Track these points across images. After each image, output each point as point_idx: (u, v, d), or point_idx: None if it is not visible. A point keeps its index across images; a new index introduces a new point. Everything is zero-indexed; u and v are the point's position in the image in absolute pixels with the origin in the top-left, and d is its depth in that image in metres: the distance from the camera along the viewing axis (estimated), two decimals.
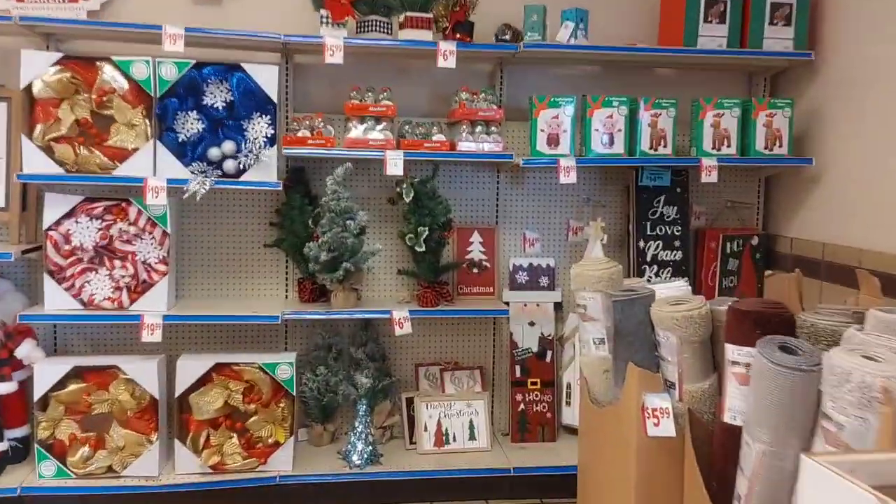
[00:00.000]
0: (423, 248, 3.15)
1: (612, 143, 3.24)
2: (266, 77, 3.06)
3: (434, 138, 3.24)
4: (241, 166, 3.06)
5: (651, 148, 3.26)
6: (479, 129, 3.25)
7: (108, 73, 2.93)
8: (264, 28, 3.08)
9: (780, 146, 3.26)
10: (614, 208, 3.62)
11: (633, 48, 3.24)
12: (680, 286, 2.34)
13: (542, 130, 3.22)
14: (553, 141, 3.22)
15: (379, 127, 3.21)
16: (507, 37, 3.27)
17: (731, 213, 3.65)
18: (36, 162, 2.90)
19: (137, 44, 3.13)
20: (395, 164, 3.14)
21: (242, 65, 3.04)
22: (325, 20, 3.12)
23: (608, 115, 3.22)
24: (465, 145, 3.21)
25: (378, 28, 3.17)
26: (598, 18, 3.33)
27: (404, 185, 3.22)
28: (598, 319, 2.30)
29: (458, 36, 3.15)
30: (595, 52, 3.21)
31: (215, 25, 3.12)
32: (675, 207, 3.49)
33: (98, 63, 2.94)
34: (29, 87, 2.88)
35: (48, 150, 2.92)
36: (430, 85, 3.54)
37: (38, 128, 2.91)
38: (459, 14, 3.15)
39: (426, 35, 3.15)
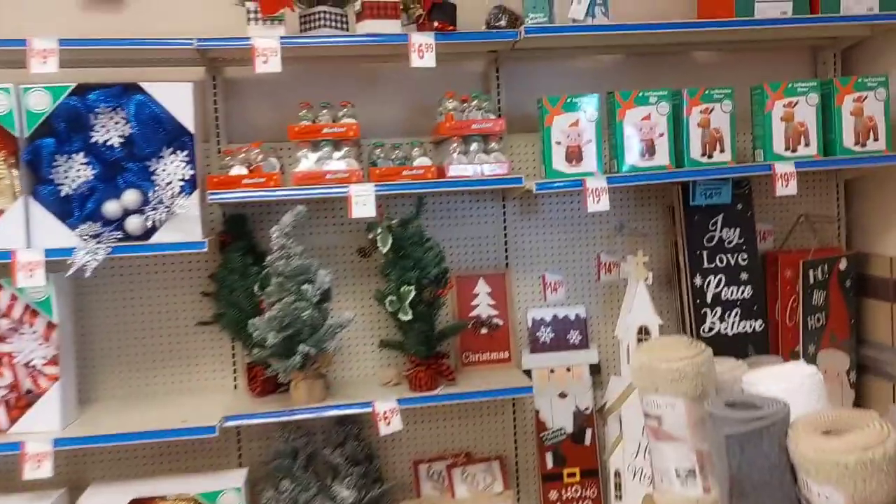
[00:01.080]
0: (410, 316, 2.31)
1: (651, 152, 2.41)
2: (176, 98, 2.23)
3: (416, 163, 2.41)
4: (151, 223, 2.22)
5: (704, 155, 2.44)
6: (474, 146, 2.43)
7: None
8: (183, 35, 2.25)
9: (876, 139, 2.45)
10: (656, 236, 2.78)
11: (676, 24, 2.42)
12: (805, 373, 1.50)
13: (559, 143, 2.39)
14: (574, 155, 2.39)
15: (338, 154, 2.38)
16: (503, 22, 2.45)
17: (804, 230, 2.82)
18: None
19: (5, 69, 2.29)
20: (363, 203, 2.30)
21: (142, 85, 2.21)
22: (252, 16, 2.29)
23: (644, 115, 2.40)
24: (458, 169, 2.38)
25: (328, 22, 2.35)
26: None
27: (379, 231, 2.38)
28: (683, 439, 1.46)
29: (436, 24, 2.32)
30: (620, 34, 2.40)
31: (116, 35, 2.28)
32: (738, 229, 2.66)
33: None
34: None
35: None
36: (405, 94, 2.71)
37: None
38: None
39: (392, 26, 2.33)
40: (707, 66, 2.83)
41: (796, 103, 2.42)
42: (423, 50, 2.30)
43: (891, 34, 2.57)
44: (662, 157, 2.41)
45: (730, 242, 2.65)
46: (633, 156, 2.41)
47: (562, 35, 2.37)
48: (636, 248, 2.64)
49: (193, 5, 2.55)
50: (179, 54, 2.40)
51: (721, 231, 2.64)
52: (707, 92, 2.43)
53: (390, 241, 2.38)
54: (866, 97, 2.42)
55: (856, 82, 2.43)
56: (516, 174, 2.41)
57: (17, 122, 2.13)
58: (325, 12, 2.34)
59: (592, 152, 2.39)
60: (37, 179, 2.18)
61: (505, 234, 2.73)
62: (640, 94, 2.40)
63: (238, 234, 2.52)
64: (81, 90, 2.18)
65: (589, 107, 2.39)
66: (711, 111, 2.43)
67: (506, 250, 2.73)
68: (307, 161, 2.35)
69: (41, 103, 2.15)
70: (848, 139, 2.44)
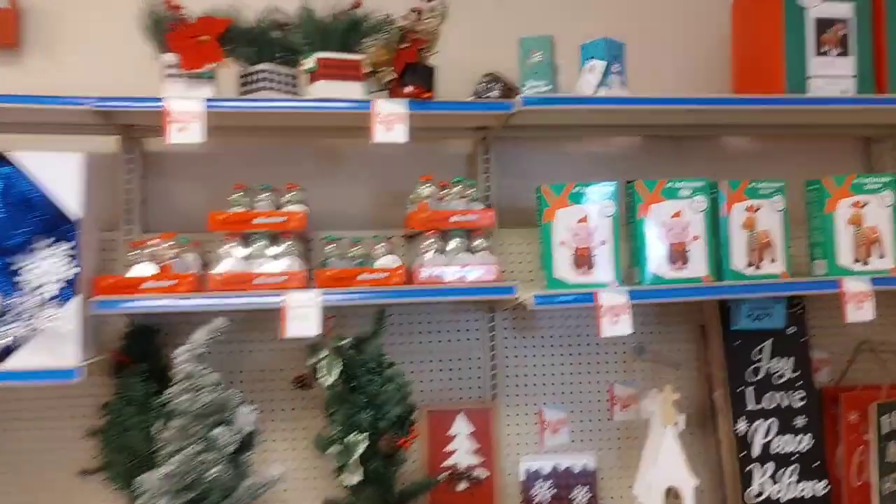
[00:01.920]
0: (360, 477, 1.68)
1: (683, 259, 1.86)
2: (58, 174, 1.67)
3: (379, 264, 1.85)
4: (11, 339, 1.61)
5: (751, 265, 1.89)
6: (454, 243, 1.88)
7: None
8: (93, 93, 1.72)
9: None
10: (686, 363, 2.20)
11: (718, 99, 1.92)
12: None
13: (563, 243, 1.84)
14: (583, 260, 1.84)
15: (276, 250, 1.82)
16: (495, 93, 1.95)
17: (867, 360, 2.25)
18: None
19: None
20: (302, 318, 1.72)
21: (11, 155, 1.66)
22: (171, 71, 1.77)
23: (673, 211, 1.87)
24: (433, 271, 1.81)
25: (272, 83, 1.84)
26: (635, 63, 2.01)
27: (323, 356, 1.79)
28: None
29: (409, 90, 1.81)
30: (641, 110, 1.89)
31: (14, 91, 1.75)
32: (791, 359, 2.08)
33: None
34: None
35: None
36: (372, 177, 2.19)
37: None
38: (409, 52, 1.83)
39: (353, 89, 1.81)
40: (740, 156, 2.33)
41: (866, 203, 1.90)
42: (391, 121, 1.78)
43: None
44: (698, 267, 1.86)
45: (781, 376, 2.06)
46: (659, 263, 1.85)
47: (568, 108, 1.85)
48: (661, 380, 2.06)
49: (116, 58, 2.04)
50: (80, 118, 1.87)
51: (770, 361, 2.06)
52: (752, 185, 1.91)
53: (338, 370, 1.79)
54: None
55: None
56: (507, 282, 1.84)
57: None
58: (268, 72, 1.83)
59: (608, 257, 1.84)
60: None
61: (493, 357, 2.13)
62: (669, 185, 1.87)
63: (142, 352, 1.91)
64: None
65: (603, 198, 1.85)
66: (758, 209, 1.90)
67: (493, 377, 2.13)
68: (230, 260, 1.78)
69: None
70: None
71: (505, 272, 2.13)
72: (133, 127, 2.00)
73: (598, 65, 1.88)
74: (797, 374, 2.06)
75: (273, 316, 1.99)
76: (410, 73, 1.83)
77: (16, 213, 1.65)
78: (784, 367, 2.06)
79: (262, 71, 1.83)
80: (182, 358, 1.67)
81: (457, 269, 1.84)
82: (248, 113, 1.82)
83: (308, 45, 1.81)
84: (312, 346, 1.85)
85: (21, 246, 1.67)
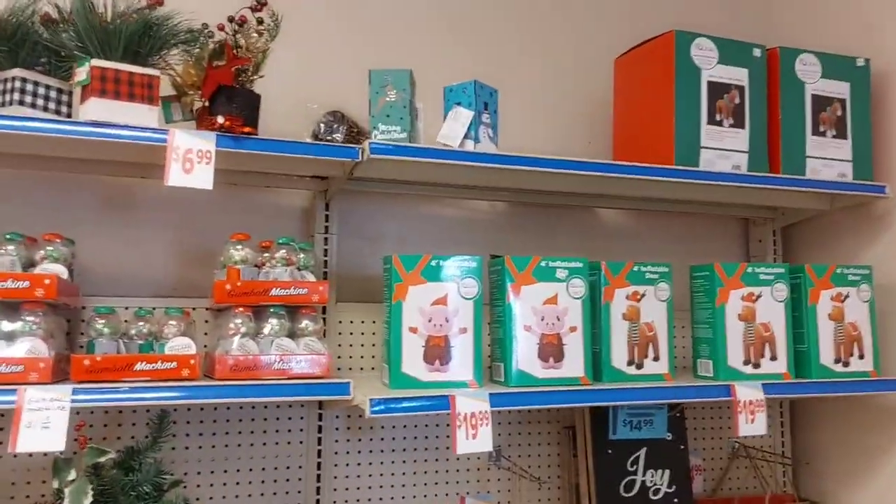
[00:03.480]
0: None
1: (558, 355, 1.52)
2: None
3: (169, 347, 1.38)
4: None
5: (632, 363, 1.59)
6: (271, 325, 1.44)
7: None
8: None
9: (862, 357, 1.72)
10: (548, 470, 1.86)
11: (601, 164, 1.62)
12: None
13: (415, 330, 1.45)
14: (437, 352, 1.46)
15: (14, 325, 1.30)
16: (338, 135, 1.55)
17: (742, 465, 2.02)
18: None
19: None
20: (41, 425, 1.21)
21: None
22: None
23: (547, 296, 1.53)
24: (236, 361, 1.36)
25: (29, 97, 1.34)
26: (504, 115, 1.70)
27: (70, 478, 1.27)
28: None
29: (221, 121, 1.36)
30: (517, 170, 1.55)
31: None
32: (668, 472, 1.79)
33: None
34: None
35: None
36: (172, 228, 1.71)
37: None
38: (223, 73, 1.39)
39: (141, 114, 1.34)
40: (614, 230, 2.07)
41: (758, 296, 1.66)
42: (192, 160, 1.33)
43: (855, 212, 1.94)
44: (574, 364, 1.53)
45: (657, 491, 1.77)
46: (528, 359, 1.50)
47: (426, 161, 1.49)
48: (521, 493, 1.70)
49: None
50: None
51: (645, 474, 1.76)
52: (636, 268, 1.62)
53: (90, 496, 1.27)
54: (847, 295, 1.72)
55: (833, 274, 1.72)
56: (340, 378, 1.42)
57: None
58: (24, 80, 1.33)
59: (467, 348, 1.47)
60: None
61: (318, 466, 1.69)
62: (544, 264, 1.54)
63: None
64: None
65: (465, 275, 1.49)
66: (642, 297, 1.61)
67: (318, 490, 1.68)
68: None
69: None
70: (826, 354, 1.69)
71: (342, 358, 1.71)
72: None
73: (465, 112, 1.54)
74: (674, 488, 1.78)
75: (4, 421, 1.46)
76: (226, 99, 1.40)
77: None
78: (660, 481, 1.77)
79: (16, 79, 1.33)
80: None
81: (274, 358, 1.39)
82: None
83: (82, 49, 1.33)
84: (57, 464, 1.32)
85: None
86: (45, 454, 1.46)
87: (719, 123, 1.71)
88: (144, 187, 1.67)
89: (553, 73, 2.04)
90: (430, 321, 1.46)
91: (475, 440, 1.37)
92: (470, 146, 1.53)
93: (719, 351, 1.63)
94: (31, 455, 1.47)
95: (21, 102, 1.34)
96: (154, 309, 1.49)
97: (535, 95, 2.01)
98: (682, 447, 1.82)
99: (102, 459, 1.32)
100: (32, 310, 1.32)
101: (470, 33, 1.98)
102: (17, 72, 1.34)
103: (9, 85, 1.35)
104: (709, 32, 1.73)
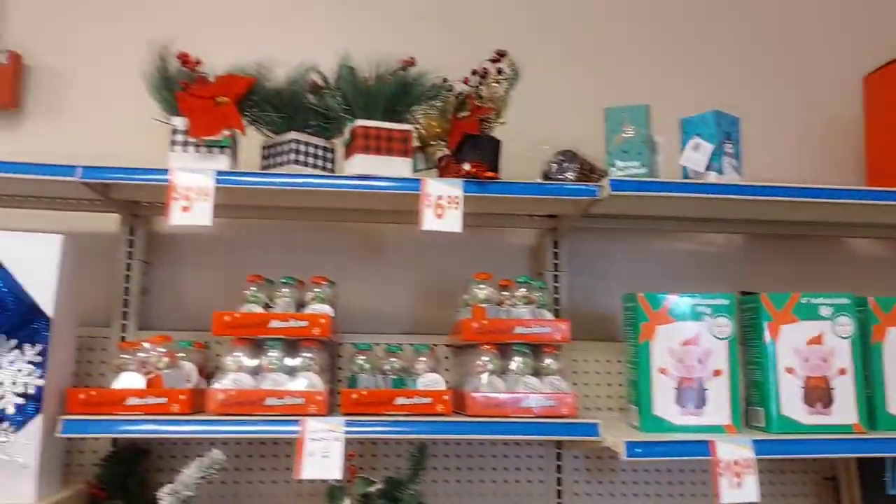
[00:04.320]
0: None
1: (826, 400, 1.40)
2: (30, 258, 1.34)
3: (421, 382, 1.45)
4: None
5: None
6: (516, 363, 1.47)
7: None
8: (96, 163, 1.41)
9: None
10: None
11: (857, 192, 1.49)
12: None
13: (664, 371, 1.41)
14: (690, 394, 1.40)
15: (293, 362, 1.44)
16: (570, 173, 1.57)
17: None
18: None
19: None
20: (322, 454, 1.32)
21: None
22: (180, 140, 1.45)
23: (810, 335, 1.42)
24: (487, 398, 1.40)
25: (302, 156, 1.50)
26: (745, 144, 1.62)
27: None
28: None
29: (467, 168, 1.44)
30: (764, 201, 1.47)
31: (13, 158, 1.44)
32: None
33: None
34: None
35: None
36: (415, 271, 1.82)
37: None
38: (469, 123, 1.47)
39: (398, 166, 1.45)
40: (869, 261, 1.88)
41: None
42: (446, 204, 1.41)
43: None
44: (845, 410, 1.40)
45: None
46: (792, 404, 1.40)
47: (666, 196, 1.45)
48: None
49: (128, 123, 1.74)
50: (73, 192, 1.56)
51: None
52: None
53: None
54: None
55: None
56: (586, 419, 1.41)
57: None
58: (297, 142, 1.50)
59: (723, 390, 1.40)
60: None
61: None
62: (804, 301, 1.43)
63: (121, 483, 1.52)
64: None
65: (716, 314, 1.42)
66: None
67: None
68: (233, 375, 1.40)
69: None
70: None
71: (579, 398, 1.70)
72: (137, 204, 1.69)
73: (705, 144, 1.49)
74: None
75: (288, 449, 1.61)
76: (470, 147, 1.48)
77: None
78: None
79: (291, 141, 1.50)
80: (167, 501, 1.28)
81: (521, 396, 1.42)
82: (272, 191, 1.48)
83: (347, 111, 1.47)
84: (332, 492, 1.43)
85: None
86: (317, 482, 1.59)
87: None
88: (391, 233, 1.80)
89: (795, 95, 1.93)
90: (680, 362, 1.41)
91: (740, 489, 1.29)
92: (713, 178, 1.48)
93: None
94: (300, 482, 1.61)
95: (296, 161, 1.50)
96: (401, 345, 1.58)
97: (777, 120, 1.91)
98: None
99: (371, 489, 1.41)
100: (309, 347, 1.46)
101: (703, 63, 1.93)
102: (292, 135, 1.51)
103: (285, 147, 1.52)
104: None
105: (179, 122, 1.44)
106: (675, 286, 1.65)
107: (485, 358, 1.48)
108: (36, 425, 1.31)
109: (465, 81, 1.50)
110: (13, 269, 1.33)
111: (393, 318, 1.78)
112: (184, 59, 1.47)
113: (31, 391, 1.33)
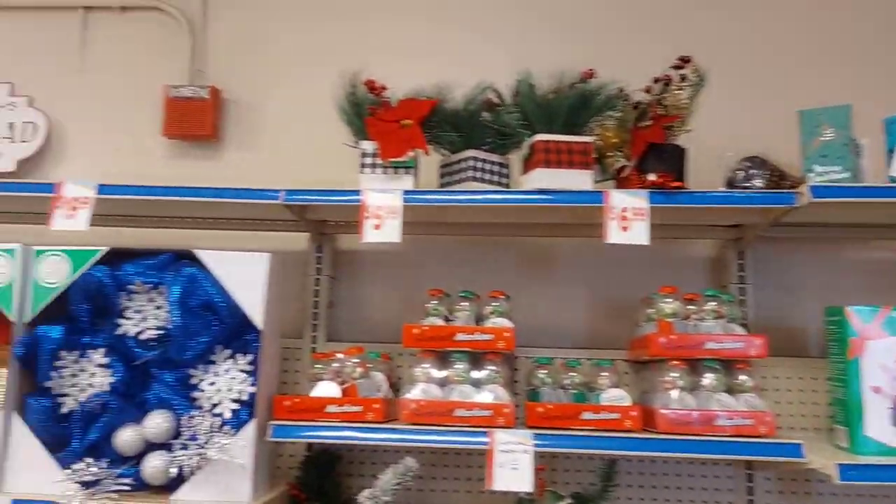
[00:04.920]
0: None
1: None
2: (243, 276, 1.46)
3: (605, 398, 1.44)
4: (181, 469, 1.38)
5: None
6: (708, 379, 1.41)
7: None
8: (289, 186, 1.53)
9: None
10: None
11: None
12: None
13: (878, 389, 1.30)
14: None
15: (479, 374, 1.47)
16: (758, 181, 1.49)
17: None
18: None
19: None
20: (511, 465, 1.34)
21: (198, 253, 1.47)
22: (367, 161, 1.53)
23: None
24: (679, 415, 1.36)
25: (479, 173, 1.54)
26: None
27: None
28: None
29: (652, 178, 1.42)
30: None
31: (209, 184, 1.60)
32: None
33: None
34: None
35: None
36: (590, 285, 1.80)
37: None
38: (653, 132, 1.45)
39: (579, 179, 1.45)
40: None
41: None
42: (631, 216, 1.40)
43: None
44: None
45: None
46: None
47: (878, 202, 1.35)
48: None
49: (317, 149, 1.86)
50: (271, 213, 1.70)
51: None
52: None
53: None
54: None
55: None
56: (783, 437, 1.33)
57: (15, 299, 1.45)
58: (475, 159, 1.53)
59: None
60: (30, 386, 1.46)
61: None
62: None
63: (318, 486, 1.62)
64: (116, 256, 1.48)
65: None
66: None
67: None
68: (424, 386, 1.45)
69: (56, 273, 1.47)
70: None
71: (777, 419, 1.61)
72: (325, 223, 1.80)
73: None
74: None
75: (475, 459, 1.64)
76: (654, 156, 1.45)
77: (196, 320, 1.45)
78: None
79: (468, 159, 1.54)
80: None
81: (716, 414, 1.36)
82: (451, 207, 1.53)
83: (525, 126, 1.49)
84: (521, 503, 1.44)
85: (200, 357, 1.46)
86: (505, 493, 1.61)
87: None
88: (562, 246, 1.79)
89: None
90: None
91: None
92: None
93: None
94: (488, 492, 1.63)
95: (474, 178, 1.54)
96: (580, 360, 1.57)
97: None
98: None
99: None
100: (493, 360, 1.49)
101: None
102: (469, 153, 1.55)
103: (463, 164, 1.56)
104: None
105: (368, 146, 1.52)
106: (874, 299, 1.51)
107: (674, 374, 1.44)
108: (249, 429, 1.42)
109: (647, 90, 1.48)
110: (227, 284, 1.45)
111: (565, 331, 1.78)
112: (371, 85, 1.55)
113: (245, 397, 1.45)
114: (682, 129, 1.47)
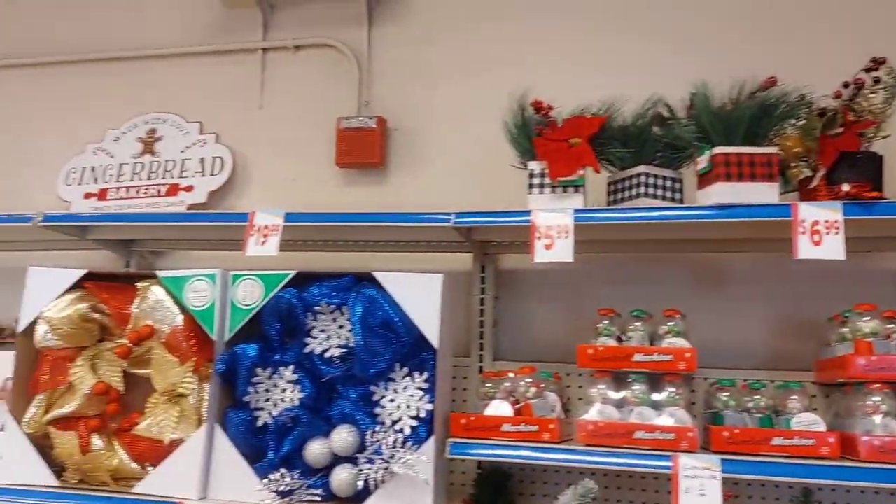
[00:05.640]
0: None
1: None
2: (419, 297, 1.51)
3: (796, 422, 1.36)
4: (366, 482, 1.45)
5: None
6: None
7: (151, 300, 1.62)
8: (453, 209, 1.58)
9: None
10: None
11: None
12: None
13: None
14: None
15: (658, 397, 1.44)
16: None
17: None
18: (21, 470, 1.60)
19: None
20: (698, 490, 1.29)
21: (377, 275, 1.54)
22: (536, 181, 1.54)
23: None
24: (884, 443, 1.25)
25: (651, 189, 1.51)
26: None
27: None
28: None
29: (847, 188, 1.33)
30: None
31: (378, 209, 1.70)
32: None
33: (139, 284, 1.65)
34: (31, 330, 1.67)
35: (43, 444, 1.62)
36: (771, 302, 1.71)
37: (38, 401, 1.63)
38: (845, 139, 1.36)
39: (764, 192, 1.39)
40: None
41: None
42: (820, 231, 1.31)
43: None
44: None
45: None
46: None
47: None
48: None
49: (478, 172, 1.90)
50: (438, 235, 1.75)
51: None
52: None
53: None
54: None
55: None
56: None
57: (217, 320, 1.59)
58: (646, 175, 1.51)
59: None
60: (230, 400, 1.59)
61: None
62: None
63: (492, 503, 1.63)
64: (304, 280, 1.58)
65: None
66: None
67: None
68: (601, 407, 1.43)
69: (251, 296, 1.59)
70: None
71: None
72: (489, 243, 1.83)
73: None
74: None
75: (653, 483, 1.60)
76: (847, 165, 1.36)
77: (377, 339, 1.51)
78: None
79: (639, 175, 1.52)
80: None
81: None
82: (621, 226, 1.50)
83: (701, 139, 1.45)
84: None
85: (379, 374, 1.52)
86: None
87: None
88: (744, 263, 1.72)
89: None
90: None
91: None
92: None
93: None
94: None
95: (646, 194, 1.51)
96: (763, 381, 1.48)
97: None
98: None
99: None
100: (673, 381, 1.45)
101: None
102: (640, 168, 1.52)
103: (633, 180, 1.54)
104: None
105: (536, 166, 1.54)
106: None
107: (875, 398, 1.34)
108: (429, 445, 1.46)
109: (837, 95, 1.39)
110: (404, 304, 1.51)
111: (743, 352, 1.69)
112: (538, 106, 1.56)
113: (423, 414, 1.49)
114: (879, 136, 1.37)
